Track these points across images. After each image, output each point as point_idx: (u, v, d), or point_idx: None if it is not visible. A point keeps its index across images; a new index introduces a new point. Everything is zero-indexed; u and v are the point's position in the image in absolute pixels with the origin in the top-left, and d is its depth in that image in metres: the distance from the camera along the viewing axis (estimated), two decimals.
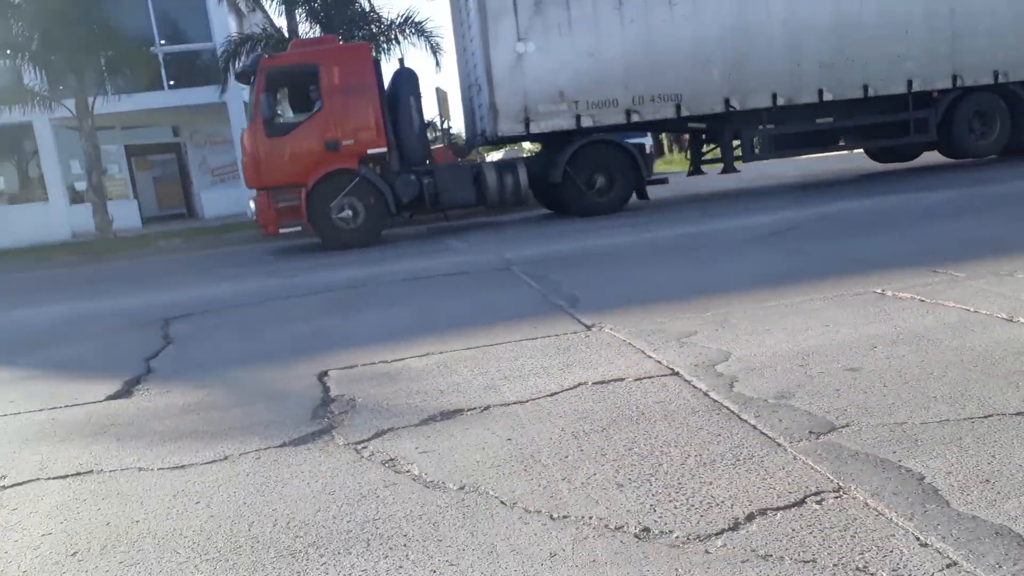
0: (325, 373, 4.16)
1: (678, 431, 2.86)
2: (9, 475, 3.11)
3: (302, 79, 11.55)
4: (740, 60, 12.45)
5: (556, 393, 3.41)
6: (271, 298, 7.26)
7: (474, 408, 3.33)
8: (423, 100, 12.48)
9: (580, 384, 3.50)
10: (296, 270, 9.50)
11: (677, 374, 3.52)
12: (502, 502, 2.41)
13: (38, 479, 3.03)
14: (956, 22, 13.00)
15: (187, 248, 14.96)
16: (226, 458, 3.04)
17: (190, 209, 24.13)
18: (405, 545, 2.20)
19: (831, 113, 13.42)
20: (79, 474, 3.04)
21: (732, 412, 3.00)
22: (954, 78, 13.24)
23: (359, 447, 3.01)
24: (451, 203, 12.19)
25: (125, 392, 4.25)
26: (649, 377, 3.51)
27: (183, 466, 3.01)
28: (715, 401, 3.14)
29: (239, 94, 18.78)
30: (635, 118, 12.29)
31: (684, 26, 12.17)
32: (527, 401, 3.34)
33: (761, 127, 13.17)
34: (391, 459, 2.85)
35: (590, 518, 2.26)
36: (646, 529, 2.17)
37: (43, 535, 2.52)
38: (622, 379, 3.51)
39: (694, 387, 3.33)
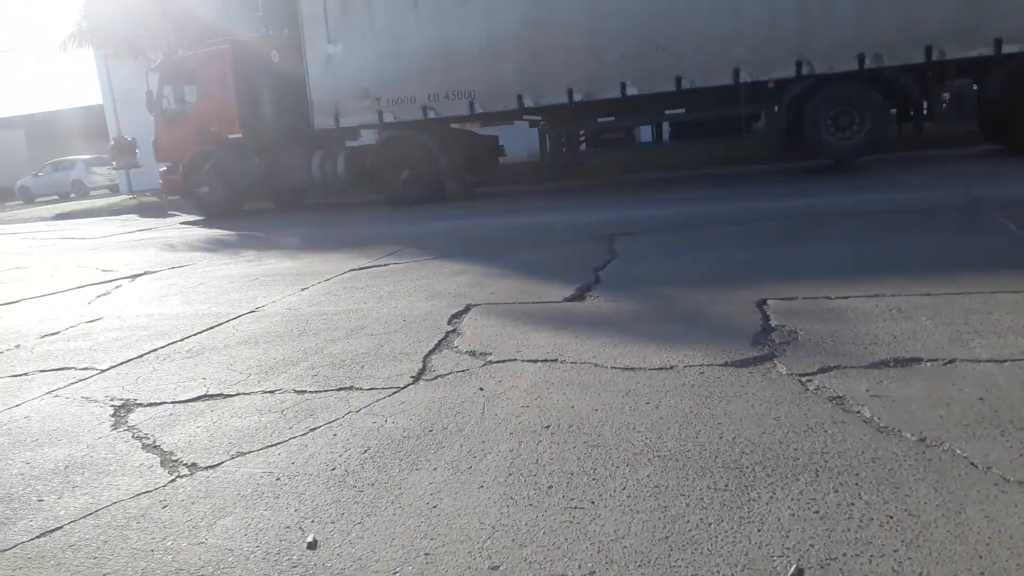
0: (764, 302, 4.14)
1: None
2: (494, 353, 3.73)
3: (190, 76, 14.18)
4: (535, 55, 11.50)
5: None
6: (709, 223, 7.39)
7: (935, 360, 3.03)
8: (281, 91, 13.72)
9: None
10: (733, 197, 9.48)
11: None
12: (972, 463, 2.19)
13: (515, 360, 3.59)
14: None
15: (633, 170, 15.48)
16: (671, 368, 3.25)
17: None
18: (856, 484, 2.14)
19: (682, 104, 11.93)
20: (546, 361, 3.52)
21: None
22: (799, 65, 10.69)
23: (803, 379, 2.96)
24: (287, 184, 14.22)
25: (578, 296, 4.75)
26: None
27: (632, 368, 3.30)
28: None
29: None
30: (431, 115, 12.36)
31: (477, 22, 11.62)
32: (1005, 361, 2.93)
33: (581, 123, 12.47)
34: (838, 397, 2.76)
35: None
36: None
37: (523, 407, 3.00)
38: None
39: None
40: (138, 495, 2.56)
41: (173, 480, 2.66)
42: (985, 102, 10.70)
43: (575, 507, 2.20)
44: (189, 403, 3.45)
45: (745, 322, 3.81)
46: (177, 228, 13.05)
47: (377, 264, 6.77)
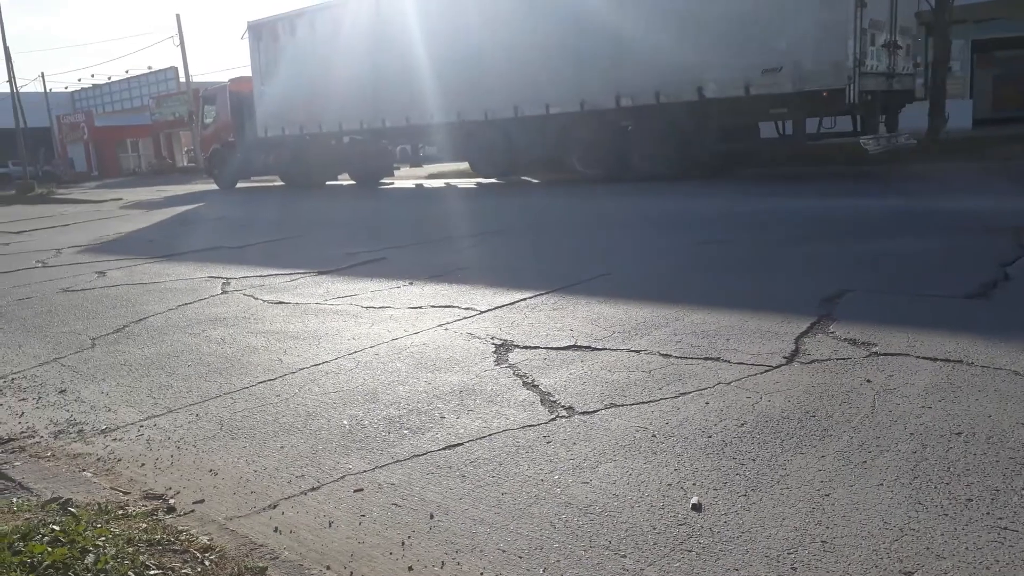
0: None
1: None
2: (879, 344, 3.37)
3: (212, 101, 22.36)
4: (374, 96, 16.98)
5: None
6: None
7: None
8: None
9: None
10: None
11: None
12: None
13: (908, 355, 3.20)
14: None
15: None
16: None
17: None
18: None
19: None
20: (948, 360, 3.09)
21: None
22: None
23: None
24: (258, 172, 21.61)
25: (981, 293, 4.12)
26: None
27: None
28: None
29: None
30: (312, 130, 18.65)
31: (335, 76, 17.56)
32: None
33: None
34: None
35: None
36: None
37: (923, 407, 2.66)
38: None
39: None
40: (524, 427, 2.75)
41: (553, 419, 2.81)
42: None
43: (1005, 527, 1.88)
44: (561, 351, 3.63)
45: None
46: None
47: (714, 240, 6.57)
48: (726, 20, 11.71)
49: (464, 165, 18.36)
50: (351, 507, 2.28)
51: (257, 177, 22.94)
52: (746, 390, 2.95)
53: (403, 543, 2.05)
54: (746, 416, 2.69)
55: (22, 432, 3.13)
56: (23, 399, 3.56)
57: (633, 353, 3.53)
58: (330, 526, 2.17)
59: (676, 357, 3.42)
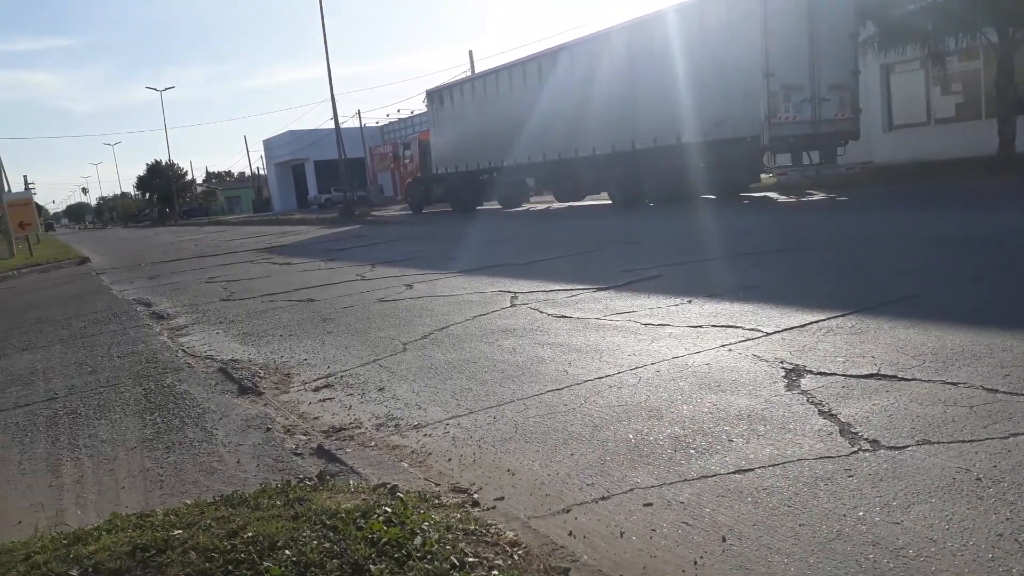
0: None
1: None
2: None
3: (409, 147, 30.16)
4: (515, 140, 21.94)
5: None
6: None
7: None
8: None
9: None
10: None
11: None
12: None
13: None
14: None
15: None
16: None
17: None
18: None
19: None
20: None
21: None
22: None
23: None
24: (434, 200, 28.23)
25: None
26: None
27: None
28: None
29: None
30: (465, 168, 25.18)
31: (484, 128, 23.73)
32: None
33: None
34: None
35: None
36: None
37: None
38: None
39: None
40: (821, 458, 2.60)
41: (855, 452, 2.62)
42: None
43: None
44: (861, 379, 3.37)
45: None
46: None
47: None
48: (696, 86, 16.27)
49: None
50: (641, 520, 2.32)
51: (439, 204, 28.66)
52: None
53: (695, 562, 2.04)
54: None
55: (351, 423, 3.60)
56: (350, 394, 4.10)
57: (949, 386, 3.17)
58: (621, 536, 2.23)
59: (1004, 392, 3.01)
